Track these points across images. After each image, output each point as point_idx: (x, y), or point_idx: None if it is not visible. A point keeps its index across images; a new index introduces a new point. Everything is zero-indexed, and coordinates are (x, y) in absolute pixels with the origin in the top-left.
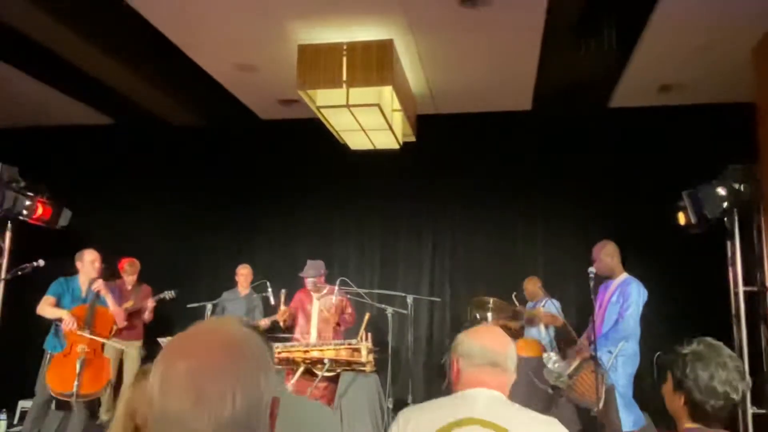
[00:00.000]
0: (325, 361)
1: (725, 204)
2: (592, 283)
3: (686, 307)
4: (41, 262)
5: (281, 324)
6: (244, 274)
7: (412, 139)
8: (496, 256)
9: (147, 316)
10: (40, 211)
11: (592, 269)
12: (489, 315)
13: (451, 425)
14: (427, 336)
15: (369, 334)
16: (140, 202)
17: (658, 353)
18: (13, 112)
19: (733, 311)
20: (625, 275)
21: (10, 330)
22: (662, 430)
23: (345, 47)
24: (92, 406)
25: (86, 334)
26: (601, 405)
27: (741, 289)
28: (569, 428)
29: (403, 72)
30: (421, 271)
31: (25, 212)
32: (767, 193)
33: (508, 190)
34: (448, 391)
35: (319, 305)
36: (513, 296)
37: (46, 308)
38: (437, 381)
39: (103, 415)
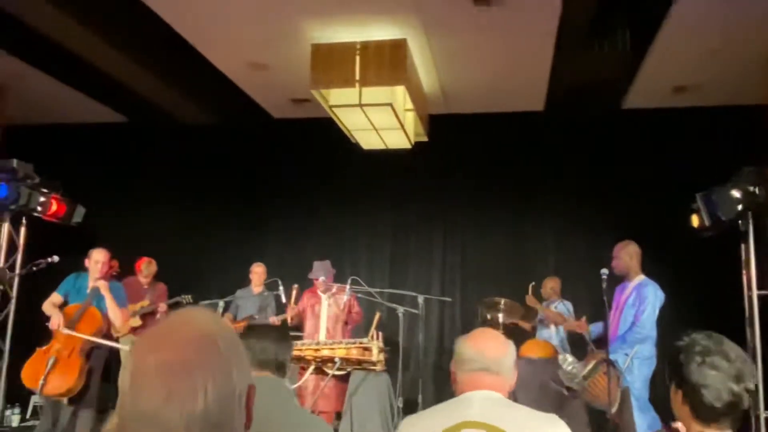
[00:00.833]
0: (336, 359)
1: (739, 206)
2: (604, 285)
3: (699, 311)
4: (55, 259)
5: (288, 322)
6: (258, 272)
7: (424, 138)
8: (508, 256)
9: (160, 318)
10: (54, 207)
11: (604, 270)
12: (500, 315)
13: (446, 431)
14: (437, 336)
15: (380, 334)
16: (153, 199)
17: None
18: (28, 110)
19: (747, 315)
20: (642, 277)
21: (24, 325)
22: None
23: (358, 46)
24: (102, 404)
25: (65, 332)
26: (615, 407)
27: (755, 292)
28: (582, 430)
29: (415, 71)
30: (432, 270)
31: (39, 209)
32: None
33: (520, 190)
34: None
35: (329, 304)
36: (530, 287)
37: (46, 305)
38: (447, 381)
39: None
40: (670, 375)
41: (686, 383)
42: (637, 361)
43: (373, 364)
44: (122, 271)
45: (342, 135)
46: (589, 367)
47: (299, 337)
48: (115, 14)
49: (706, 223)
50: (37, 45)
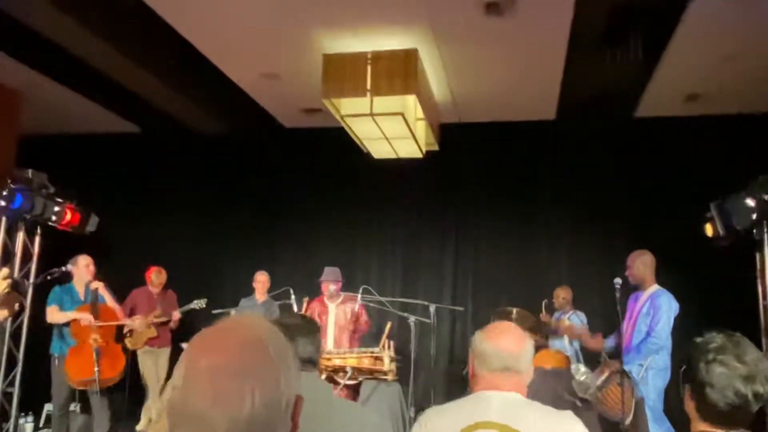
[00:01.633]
0: (347, 369)
1: (754, 215)
2: (618, 294)
3: (713, 321)
4: (69, 267)
5: None
6: (261, 281)
7: (436, 148)
8: (520, 265)
9: (173, 325)
10: (68, 216)
11: (617, 280)
12: None
13: (464, 431)
14: (449, 345)
15: (391, 343)
16: (166, 208)
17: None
18: (43, 120)
19: (763, 325)
20: (655, 287)
21: (37, 333)
22: None
23: (370, 56)
24: (113, 406)
25: (98, 324)
26: (630, 419)
27: None
28: None
29: (427, 81)
30: (444, 280)
31: (54, 218)
32: None
33: (532, 199)
34: None
35: (336, 312)
36: (543, 304)
37: (55, 315)
38: (459, 391)
39: (140, 427)
40: (683, 371)
41: (693, 380)
42: (651, 372)
43: (385, 373)
44: (135, 279)
45: (353, 144)
46: (603, 377)
47: None
48: (129, 25)
49: (721, 232)
50: (52, 55)
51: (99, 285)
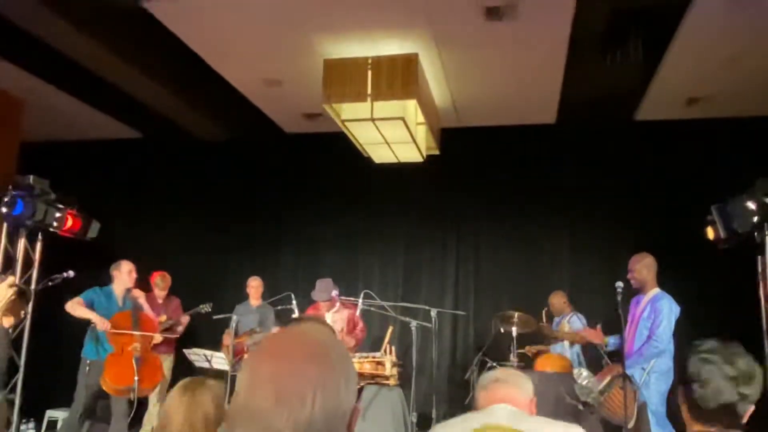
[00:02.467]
0: None
1: (755, 218)
2: (619, 297)
3: (715, 323)
4: (71, 274)
5: None
6: (254, 286)
7: (436, 152)
8: (521, 269)
9: (180, 330)
10: (69, 223)
11: (619, 283)
12: (514, 329)
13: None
14: (451, 349)
15: (393, 348)
16: (167, 214)
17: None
18: (45, 126)
19: (764, 327)
20: (656, 290)
21: (40, 340)
22: None
23: (370, 61)
24: (128, 414)
25: (137, 333)
26: (632, 422)
27: None
28: None
29: (427, 85)
30: (445, 284)
31: (55, 224)
32: None
33: (532, 203)
34: (471, 405)
35: (333, 320)
36: (543, 312)
37: (76, 307)
38: (461, 395)
39: None
40: (681, 378)
41: (685, 380)
42: (654, 376)
43: (387, 378)
44: (139, 285)
45: (354, 149)
46: (605, 381)
47: None
48: (130, 32)
49: (722, 235)
50: (54, 62)
51: (140, 294)
